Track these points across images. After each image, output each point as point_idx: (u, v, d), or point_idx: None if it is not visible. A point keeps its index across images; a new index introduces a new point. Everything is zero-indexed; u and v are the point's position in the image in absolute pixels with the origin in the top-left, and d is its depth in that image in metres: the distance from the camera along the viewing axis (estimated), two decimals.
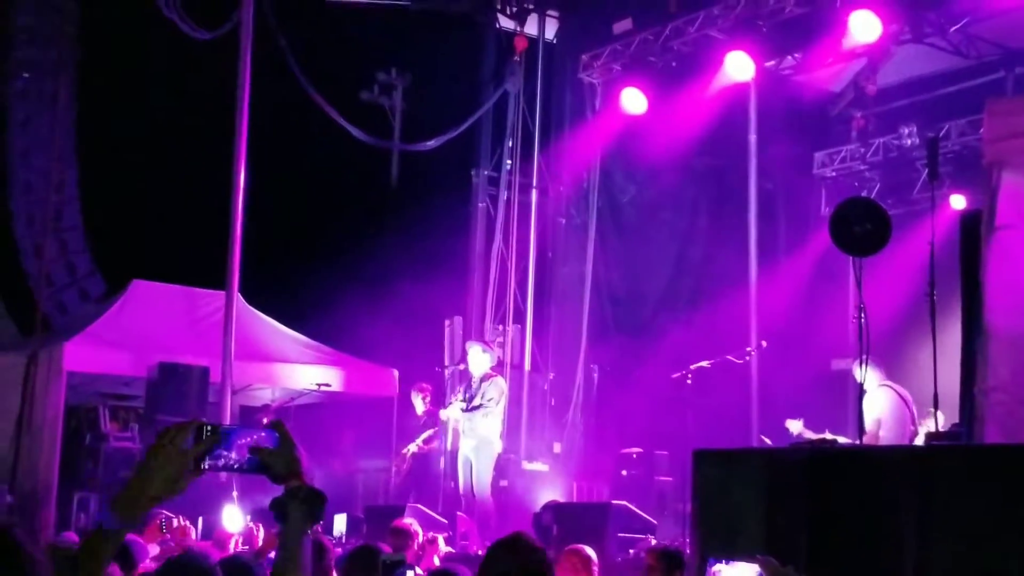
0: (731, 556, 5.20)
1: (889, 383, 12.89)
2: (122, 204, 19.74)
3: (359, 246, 21.24)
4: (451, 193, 20.90)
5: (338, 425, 19.91)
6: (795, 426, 13.69)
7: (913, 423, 12.81)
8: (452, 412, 14.98)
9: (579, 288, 19.60)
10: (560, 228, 20.46)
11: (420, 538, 10.76)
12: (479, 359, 15.01)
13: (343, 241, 21.35)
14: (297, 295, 19.44)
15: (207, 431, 2.87)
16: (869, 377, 12.24)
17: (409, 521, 10.99)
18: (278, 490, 3.02)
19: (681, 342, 16.76)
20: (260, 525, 11.91)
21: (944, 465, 7.38)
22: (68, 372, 16.12)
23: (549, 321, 20.08)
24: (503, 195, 19.98)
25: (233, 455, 2.92)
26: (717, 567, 4.46)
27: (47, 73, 18.29)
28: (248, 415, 17.93)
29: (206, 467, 2.88)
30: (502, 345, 18.88)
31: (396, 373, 18.47)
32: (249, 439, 2.95)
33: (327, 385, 17.86)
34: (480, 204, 20.24)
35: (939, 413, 11.14)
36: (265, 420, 15.23)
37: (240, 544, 11.93)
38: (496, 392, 14.76)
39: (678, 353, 15.50)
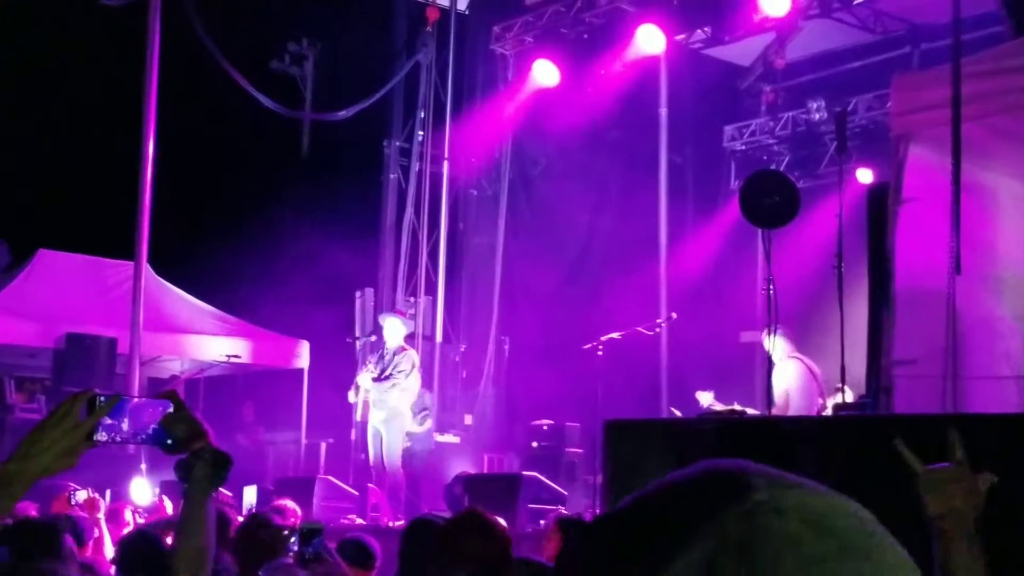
0: None
1: (798, 355, 12.99)
2: (28, 173, 19.44)
3: (269, 217, 21.11)
4: (362, 164, 20.81)
5: (248, 397, 19.77)
6: (705, 398, 13.80)
7: (822, 396, 12.90)
8: (363, 380, 14.90)
9: (490, 259, 19.62)
10: (471, 199, 20.47)
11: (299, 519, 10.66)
12: (395, 330, 14.95)
13: (253, 212, 21.17)
14: (206, 266, 19.24)
15: (100, 402, 2.81)
16: (779, 348, 12.35)
17: (292, 505, 10.95)
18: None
19: (592, 314, 16.84)
20: (164, 497, 11.83)
21: (848, 434, 7.47)
22: None
23: (461, 293, 20.09)
24: (415, 166, 19.92)
25: (127, 427, 2.87)
26: None
27: None
28: (156, 387, 17.73)
29: (99, 439, 2.82)
30: (413, 316, 18.84)
31: (307, 344, 18.37)
32: (147, 411, 2.91)
33: (237, 357, 17.75)
34: (391, 175, 20.16)
35: (847, 387, 11.29)
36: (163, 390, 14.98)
37: (143, 516, 11.85)
38: (408, 364, 14.70)
39: (589, 325, 15.56)
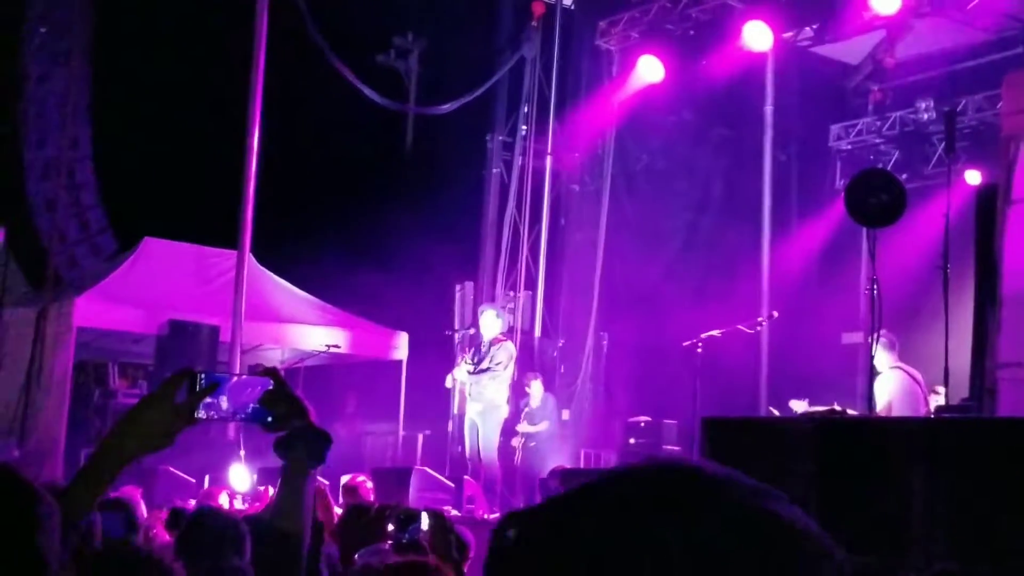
0: None
1: (901, 364, 12.77)
2: (136, 161, 19.70)
3: (372, 209, 21.22)
4: (465, 158, 20.84)
5: (346, 387, 19.91)
6: (799, 406, 13.55)
7: (926, 405, 12.66)
8: (459, 374, 14.96)
9: (591, 255, 19.57)
10: (573, 195, 20.42)
11: (372, 497, 10.65)
12: (491, 323, 14.98)
13: (356, 203, 21.31)
14: (309, 257, 19.39)
15: (201, 380, 2.82)
16: (882, 358, 12.16)
17: (362, 479, 10.97)
18: None
19: (692, 311, 16.72)
20: (271, 488, 11.92)
21: (953, 437, 7.36)
22: (78, 328, 16.11)
23: (560, 288, 20.04)
24: (517, 161, 19.91)
25: (226, 405, 2.86)
26: None
27: (63, 28, 18.23)
28: None
29: (199, 417, 2.82)
30: (513, 311, 18.87)
31: (406, 336, 18.45)
32: (246, 389, 2.91)
33: (336, 347, 17.84)
34: (494, 170, 20.18)
35: (943, 389, 11.11)
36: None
37: (243, 503, 11.97)
38: (505, 356, 14.74)
39: (689, 322, 15.46)
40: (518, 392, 16.90)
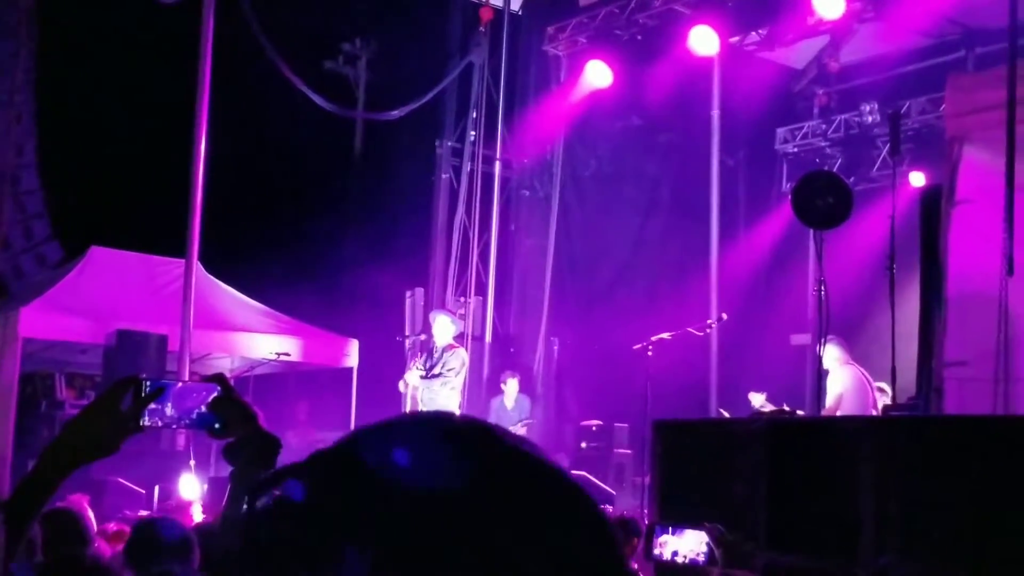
0: (685, 526, 5.15)
1: (853, 363, 12.91)
2: (82, 169, 19.57)
3: (322, 215, 21.16)
4: (414, 164, 20.83)
5: (297, 395, 19.83)
6: (757, 399, 13.72)
7: (875, 406, 12.80)
8: (411, 378, 14.92)
9: (541, 261, 19.60)
10: (523, 200, 20.44)
11: None
12: (444, 329, 14.95)
13: (305, 210, 21.25)
14: (258, 264, 19.32)
15: (146, 387, 2.80)
16: (833, 355, 12.26)
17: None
18: None
19: (642, 314, 16.78)
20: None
21: (902, 435, 7.42)
22: (24, 339, 15.94)
23: (511, 293, 20.07)
24: (466, 167, 19.91)
25: (171, 411, 2.84)
26: (664, 538, 4.42)
27: (7, 35, 18.07)
28: None
29: (145, 424, 2.80)
30: (463, 317, 18.85)
31: (356, 343, 18.40)
32: (192, 395, 2.89)
33: (286, 354, 17.75)
34: (443, 175, 20.16)
35: (887, 387, 11.21)
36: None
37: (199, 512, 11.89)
38: (457, 363, 14.71)
39: (639, 325, 15.52)
40: (493, 389, 16.90)
